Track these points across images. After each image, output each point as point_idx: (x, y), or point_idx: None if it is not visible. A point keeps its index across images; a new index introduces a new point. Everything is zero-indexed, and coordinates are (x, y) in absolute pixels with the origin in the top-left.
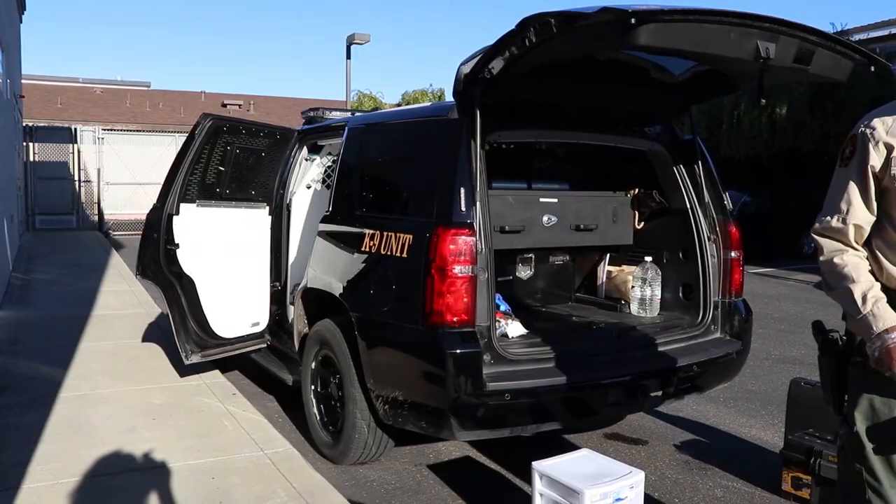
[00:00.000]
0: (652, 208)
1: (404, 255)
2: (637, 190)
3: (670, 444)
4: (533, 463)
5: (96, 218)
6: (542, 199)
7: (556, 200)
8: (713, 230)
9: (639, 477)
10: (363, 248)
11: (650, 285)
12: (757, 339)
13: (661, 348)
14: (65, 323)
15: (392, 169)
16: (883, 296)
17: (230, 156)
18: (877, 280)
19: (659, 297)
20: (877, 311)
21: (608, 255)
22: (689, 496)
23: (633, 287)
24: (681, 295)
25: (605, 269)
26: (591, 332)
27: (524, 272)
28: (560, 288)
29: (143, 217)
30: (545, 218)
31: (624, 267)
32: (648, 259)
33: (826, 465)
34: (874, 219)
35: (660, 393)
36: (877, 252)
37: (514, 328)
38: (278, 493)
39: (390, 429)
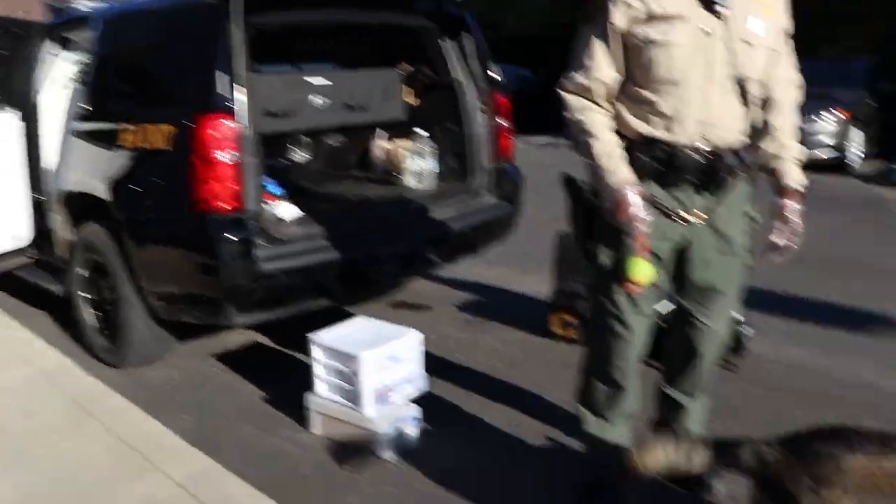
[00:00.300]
0: (422, 83)
1: (167, 146)
2: (407, 65)
3: (451, 305)
4: (308, 335)
5: None
6: (310, 80)
7: (325, 81)
8: (482, 101)
9: (414, 336)
10: (124, 145)
11: (424, 158)
12: (534, 204)
13: (436, 216)
14: None
15: (150, 59)
16: (621, 153)
17: None
18: (622, 136)
19: (434, 168)
20: (615, 167)
21: (381, 132)
22: (470, 351)
23: (407, 161)
24: (454, 164)
25: (379, 145)
26: (368, 207)
27: (300, 155)
28: (336, 168)
29: None
30: (315, 98)
31: (398, 142)
32: (421, 132)
33: (586, 304)
34: (620, 77)
35: (437, 258)
36: (619, 106)
37: (288, 210)
38: (53, 406)
39: (170, 325)
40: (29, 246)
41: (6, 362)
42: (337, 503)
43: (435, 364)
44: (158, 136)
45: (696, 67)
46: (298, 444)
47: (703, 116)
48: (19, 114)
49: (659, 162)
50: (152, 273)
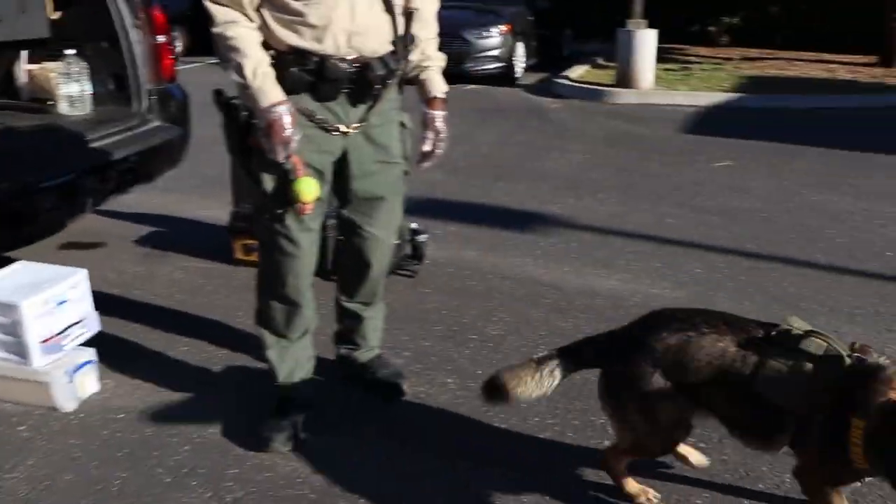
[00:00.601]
0: None
1: None
2: None
3: (129, 240)
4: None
5: None
6: None
7: None
8: (136, 15)
9: (80, 275)
10: None
11: (77, 80)
12: (207, 125)
13: (97, 144)
14: None
15: None
16: (271, 71)
17: None
18: (270, 48)
19: (89, 91)
20: (265, 86)
21: (25, 52)
22: (150, 283)
23: (58, 84)
24: (112, 86)
25: (23, 67)
26: (14, 138)
27: None
28: None
29: None
30: None
31: (45, 63)
32: (71, 52)
33: None
34: None
35: (103, 189)
36: (265, 15)
37: None
38: None
39: None
40: None
41: None
42: (17, 469)
43: (113, 303)
44: None
45: None
46: None
47: (351, 26)
48: None
49: (310, 74)
50: None
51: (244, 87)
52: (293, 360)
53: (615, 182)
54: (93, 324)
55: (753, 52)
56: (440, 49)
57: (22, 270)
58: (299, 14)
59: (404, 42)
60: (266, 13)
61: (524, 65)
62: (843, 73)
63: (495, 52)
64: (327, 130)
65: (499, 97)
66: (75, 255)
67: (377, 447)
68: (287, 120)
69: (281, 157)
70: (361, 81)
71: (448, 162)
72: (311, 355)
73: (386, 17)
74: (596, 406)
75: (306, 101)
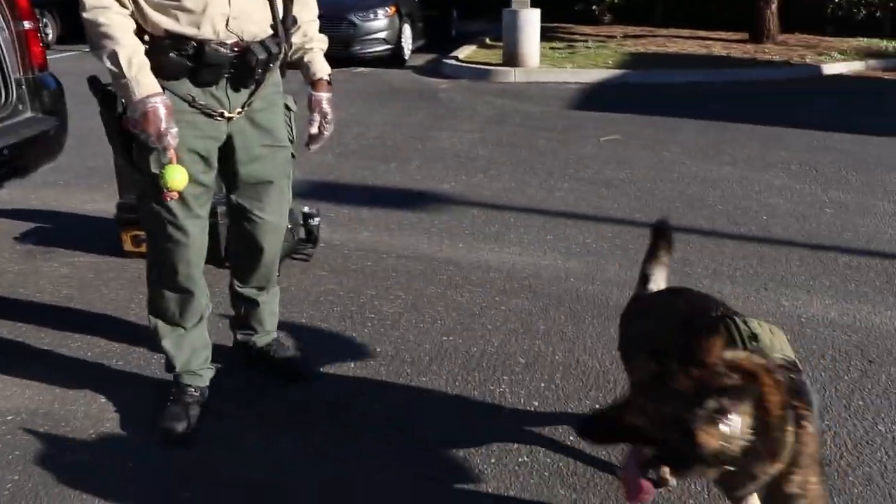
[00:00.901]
0: None
1: None
2: None
3: (10, 238)
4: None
5: None
6: None
7: None
8: None
9: None
10: None
11: None
12: (90, 115)
13: None
14: None
15: None
16: (146, 61)
17: None
18: (143, 33)
19: None
20: (140, 77)
21: None
22: (35, 281)
23: None
24: None
25: None
26: None
27: None
28: None
29: None
30: None
31: None
32: None
33: None
34: None
35: None
36: (141, 2)
37: None
38: None
39: None
40: None
41: None
42: None
43: None
44: None
45: None
46: None
47: (229, 10)
48: None
49: (189, 59)
50: None
51: (118, 77)
52: (189, 348)
53: (505, 159)
54: None
55: (635, 31)
56: (326, 32)
57: None
58: None
59: (285, 25)
60: None
61: (412, 46)
62: (717, 50)
63: (382, 35)
64: (210, 116)
65: (388, 79)
66: None
67: (283, 429)
68: (162, 112)
69: (156, 145)
70: (242, 66)
71: (339, 144)
72: (208, 342)
73: (264, 1)
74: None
75: (187, 86)
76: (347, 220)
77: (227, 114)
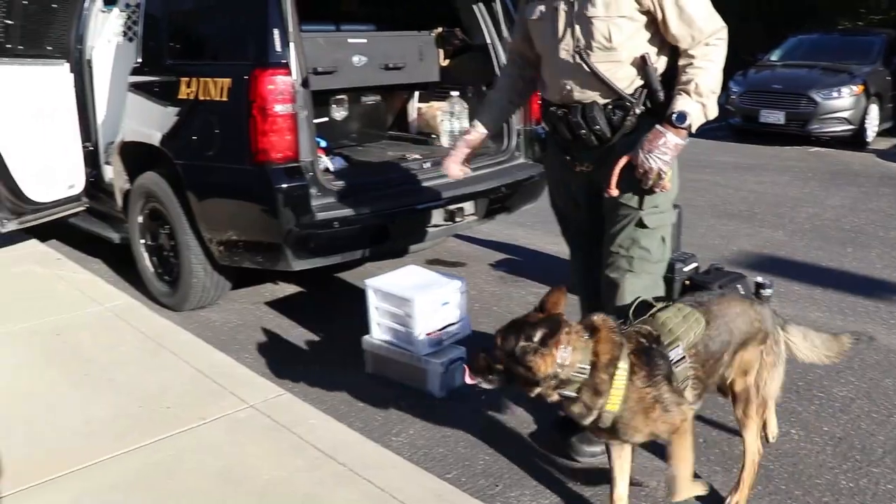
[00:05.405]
0: (455, 45)
1: (224, 98)
2: (441, 28)
3: (486, 263)
4: (366, 281)
5: None
6: (351, 40)
7: (365, 41)
8: None
9: (461, 283)
10: (181, 97)
11: (458, 118)
12: None
13: (471, 174)
14: None
15: (202, 14)
16: (492, 107)
17: (17, 7)
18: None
19: (466, 128)
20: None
21: (417, 93)
22: (505, 303)
23: (441, 121)
24: None
25: (414, 106)
26: (406, 164)
27: (338, 113)
28: (373, 127)
29: None
30: (355, 58)
31: (433, 103)
32: (455, 94)
33: None
34: (523, 43)
35: (473, 213)
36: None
37: (335, 162)
38: (128, 339)
39: (226, 271)
40: (82, 194)
41: (79, 302)
42: (393, 432)
43: (474, 314)
44: (216, 89)
45: (548, 39)
46: (354, 381)
47: (563, 80)
48: (69, 66)
49: (545, 119)
50: (212, 219)
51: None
52: None
53: None
54: (465, 327)
55: None
56: (785, 107)
57: (413, 273)
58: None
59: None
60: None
61: (877, 128)
62: None
63: (845, 114)
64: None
65: (847, 161)
66: (440, 269)
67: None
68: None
69: None
70: (570, 127)
71: (791, 222)
72: None
73: (588, 70)
74: None
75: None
76: (798, 297)
77: (578, 167)
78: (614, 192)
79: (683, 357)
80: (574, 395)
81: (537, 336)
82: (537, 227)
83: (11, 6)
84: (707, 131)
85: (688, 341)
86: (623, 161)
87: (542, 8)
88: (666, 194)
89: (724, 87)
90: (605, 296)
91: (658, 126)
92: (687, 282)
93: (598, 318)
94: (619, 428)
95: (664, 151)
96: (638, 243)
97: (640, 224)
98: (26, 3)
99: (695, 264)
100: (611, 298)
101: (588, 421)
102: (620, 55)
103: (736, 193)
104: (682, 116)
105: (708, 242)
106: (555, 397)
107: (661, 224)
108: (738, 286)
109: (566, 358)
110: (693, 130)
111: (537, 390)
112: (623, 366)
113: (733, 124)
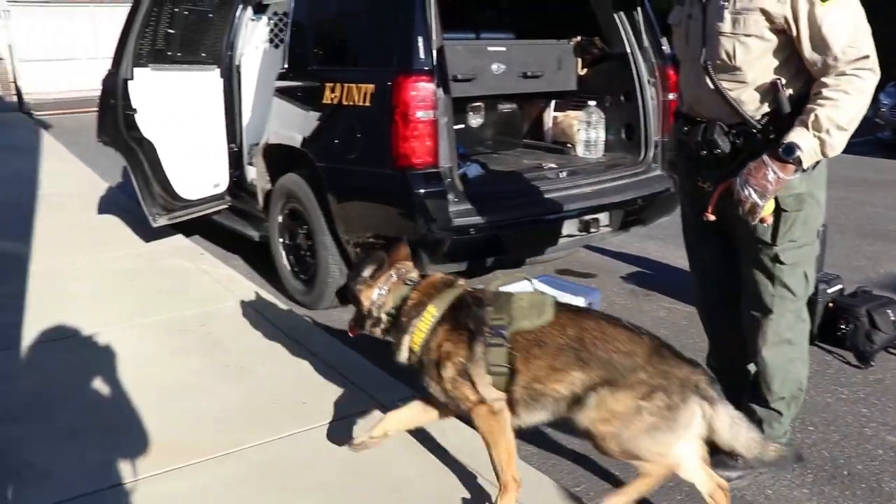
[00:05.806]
0: (594, 54)
1: (367, 104)
2: (580, 37)
3: (617, 276)
4: (500, 288)
5: (15, 98)
6: (490, 49)
7: (504, 49)
8: (652, 74)
9: (597, 294)
10: (324, 102)
11: (594, 128)
12: None
13: (606, 185)
14: (13, 204)
15: (347, 22)
16: None
17: (179, 18)
18: None
19: (603, 138)
20: None
21: (553, 101)
22: (637, 317)
23: (578, 130)
24: (623, 136)
25: (551, 114)
26: (542, 173)
27: (475, 120)
28: (509, 135)
29: (68, 95)
30: (494, 66)
31: (569, 112)
32: (592, 103)
33: None
34: None
35: (608, 225)
36: None
37: (472, 169)
38: (266, 334)
39: None
40: (225, 193)
41: (220, 296)
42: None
43: None
44: (359, 94)
45: (683, 49)
46: None
47: (691, 92)
48: (219, 71)
49: (675, 130)
50: (350, 220)
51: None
52: None
53: None
54: None
55: None
56: None
57: (548, 283)
58: None
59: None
60: None
61: None
62: None
63: None
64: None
65: None
66: (571, 281)
67: None
68: None
69: None
70: (696, 143)
71: None
72: None
73: (713, 86)
74: None
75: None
76: None
77: (703, 185)
78: (711, 217)
79: (503, 336)
80: (386, 328)
81: (365, 271)
82: (669, 241)
83: (174, 17)
84: (853, 146)
85: (517, 326)
86: (723, 187)
87: (681, 15)
88: (805, 225)
89: (874, 100)
90: (747, 330)
91: (764, 156)
92: (830, 304)
93: (439, 273)
94: (421, 372)
95: (763, 185)
96: (778, 280)
97: (776, 260)
98: (187, 13)
99: (839, 286)
100: (752, 335)
101: (399, 357)
102: (745, 76)
103: (884, 213)
104: (791, 149)
105: (852, 263)
106: (377, 333)
107: (800, 259)
108: (889, 312)
109: (382, 297)
110: (805, 167)
111: (368, 325)
112: (433, 311)
113: (882, 139)
